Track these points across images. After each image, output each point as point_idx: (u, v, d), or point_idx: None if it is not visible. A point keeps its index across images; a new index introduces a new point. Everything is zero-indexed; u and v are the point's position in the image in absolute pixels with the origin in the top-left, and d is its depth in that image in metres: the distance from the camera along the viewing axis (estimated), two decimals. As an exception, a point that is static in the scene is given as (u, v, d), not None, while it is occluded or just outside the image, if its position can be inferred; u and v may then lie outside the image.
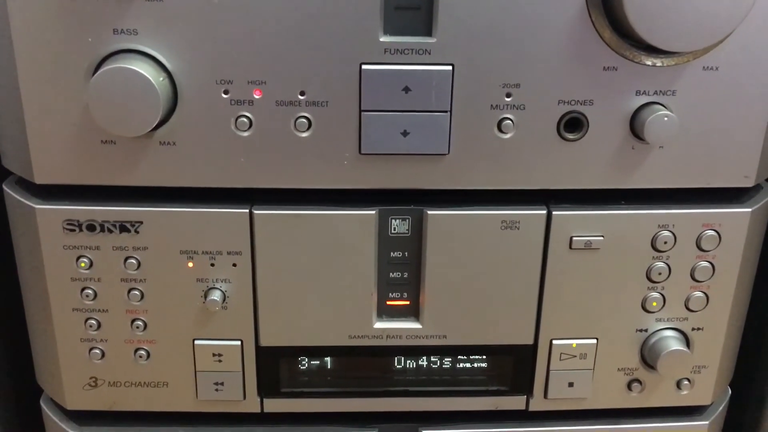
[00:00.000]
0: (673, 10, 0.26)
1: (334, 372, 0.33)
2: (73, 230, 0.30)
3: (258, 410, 0.34)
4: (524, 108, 0.29)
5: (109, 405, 0.33)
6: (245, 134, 0.29)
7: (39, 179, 0.29)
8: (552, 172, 0.30)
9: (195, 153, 0.29)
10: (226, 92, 0.28)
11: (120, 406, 0.33)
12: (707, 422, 0.35)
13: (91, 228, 0.30)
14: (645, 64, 0.28)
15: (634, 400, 0.34)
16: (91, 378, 0.33)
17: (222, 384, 0.33)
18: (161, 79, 0.27)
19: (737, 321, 0.34)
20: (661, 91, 0.29)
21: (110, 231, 0.30)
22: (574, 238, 0.31)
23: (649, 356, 0.33)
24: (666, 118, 0.28)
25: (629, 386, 0.34)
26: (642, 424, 0.35)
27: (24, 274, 0.32)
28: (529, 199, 0.31)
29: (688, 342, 0.33)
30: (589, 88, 0.29)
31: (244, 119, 0.29)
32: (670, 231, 0.31)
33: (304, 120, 0.29)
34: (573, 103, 0.29)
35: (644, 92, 0.29)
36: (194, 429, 0.34)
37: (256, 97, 0.28)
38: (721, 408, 0.36)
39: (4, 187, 0.31)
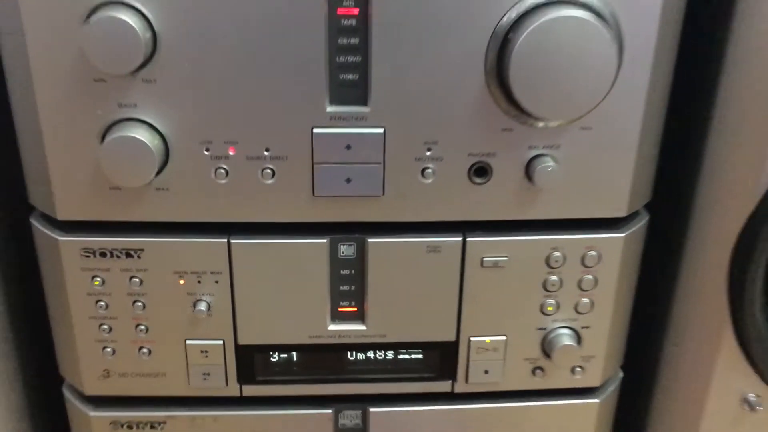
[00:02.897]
0: (549, 90, 0.33)
1: (299, 364, 0.40)
2: (89, 256, 0.36)
3: (238, 394, 0.41)
4: (442, 159, 0.36)
5: (118, 391, 0.40)
6: (223, 182, 0.35)
7: (60, 216, 0.36)
8: (466, 208, 0.37)
9: (184, 196, 0.35)
10: (207, 149, 0.35)
11: (127, 392, 0.40)
12: (598, 400, 0.43)
13: (102, 254, 0.36)
14: (535, 126, 0.35)
15: (538, 383, 0.41)
16: (104, 370, 0.39)
17: (209, 374, 0.39)
18: (155, 141, 0.34)
19: (620, 319, 0.41)
20: (548, 146, 0.36)
21: (118, 257, 0.36)
22: (485, 259, 0.38)
23: (547, 349, 0.40)
24: (549, 168, 0.35)
25: (533, 372, 0.41)
26: (544, 402, 0.42)
27: (49, 289, 0.39)
28: (448, 229, 0.37)
29: (579, 337, 0.41)
30: (491, 144, 0.35)
31: (222, 170, 0.35)
32: (560, 252, 0.38)
33: (269, 170, 0.35)
34: (480, 155, 0.36)
35: (535, 147, 0.35)
36: (187, 409, 0.41)
37: (231, 153, 0.35)
38: (611, 389, 0.44)
39: (32, 221, 0.38)
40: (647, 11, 0.33)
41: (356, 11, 0.33)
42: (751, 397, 0.43)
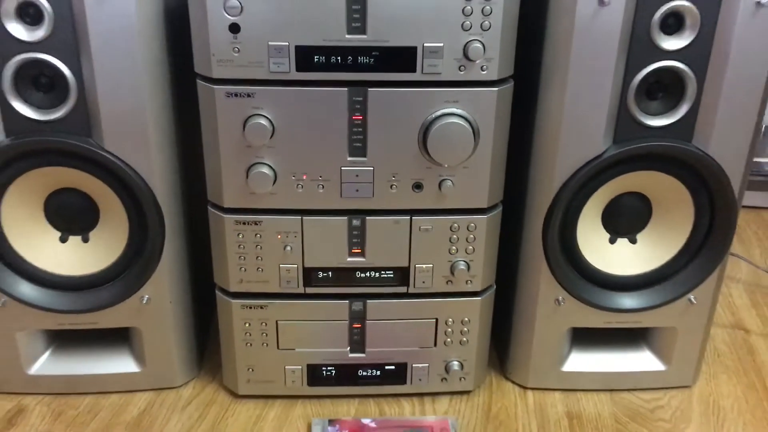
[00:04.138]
0: (445, 152, 0.73)
1: (332, 277, 0.81)
2: (238, 224, 0.77)
3: (303, 292, 0.81)
4: (399, 181, 0.75)
5: (246, 289, 0.80)
6: (300, 191, 0.75)
7: (226, 205, 0.77)
8: (411, 203, 0.77)
9: (282, 197, 0.76)
10: (293, 176, 0.75)
11: (250, 290, 0.80)
12: (480, 298, 0.83)
13: (244, 223, 0.77)
14: (441, 166, 0.75)
15: (449, 288, 0.81)
16: (240, 279, 0.80)
17: (288, 281, 0.80)
18: (271, 173, 0.75)
19: (491, 254, 0.82)
20: (447, 175, 0.75)
21: (251, 224, 0.77)
22: (421, 227, 0.78)
23: (453, 271, 0.81)
24: (449, 184, 0.75)
25: (447, 283, 0.80)
26: (452, 299, 0.82)
27: (215, 241, 0.79)
28: (403, 213, 0.77)
29: (468, 266, 0.81)
30: (422, 174, 0.75)
31: (300, 185, 0.75)
32: (456, 224, 0.78)
33: (321, 185, 0.75)
34: (416, 179, 0.75)
35: (441, 175, 0.75)
36: (278, 299, 0.81)
37: (304, 178, 0.75)
38: (488, 293, 0.84)
39: (209, 209, 0.78)
40: (489, 117, 0.73)
41: (361, 117, 0.73)
42: (559, 297, 0.84)
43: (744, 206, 1.39)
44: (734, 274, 1.15)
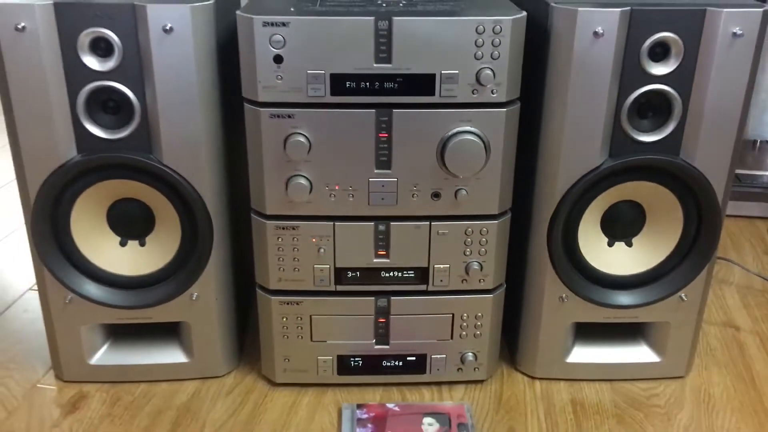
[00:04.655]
0: (460, 164, 0.83)
1: (360, 276, 0.90)
2: (278, 229, 0.87)
3: (334, 290, 0.91)
4: (420, 191, 0.85)
5: (283, 287, 0.90)
6: (333, 199, 0.85)
7: (268, 212, 0.87)
8: (430, 210, 0.86)
9: (317, 205, 0.86)
10: (327, 186, 0.85)
11: (287, 288, 0.91)
12: (492, 295, 0.92)
13: (284, 228, 0.87)
14: (456, 177, 0.85)
15: (464, 286, 0.91)
16: (279, 278, 0.90)
17: (322, 280, 0.90)
18: (307, 183, 0.85)
19: (500, 260, 0.91)
20: (462, 185, 0.85)
21: (289, 229, 0.87)
22: (439, 231, 0.88)
23: (468, 271, 0.90)
24: (464, 193, 0.85)
25: (462, 281, 0.90)
26: (467, 296, 0.92)
27: (257, 237, 0.89)
28: (423, 219, 0.87)
29: (481, 266, 0.90)
30: (440, 184, 0.85)
31: (333, 195, 0.84)
32: (471, 229, 0.88)
33: (351, 195, 0.85)
34: (435, 189, 0.85)
35: (457, 185, 0.85)
36: (312, 296, 0.91)
37: (336, 188, 0.85)
38: (499, 291, 0.93)
39: (252, 216, 0.89)
40: (499, 134, 0.83)
41: (386, 135, 0.83)
42: (563, 295, 0.94)
43: (739, 216, 1.49)
44: (728, 278, 1.24)
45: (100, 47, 0.79)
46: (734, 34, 0.79)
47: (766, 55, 1.65)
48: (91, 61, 0.80)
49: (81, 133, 0.82)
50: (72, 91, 0.80)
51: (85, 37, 0.78)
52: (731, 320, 1.12)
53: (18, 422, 0.90)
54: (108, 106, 0.82)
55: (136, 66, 0.80)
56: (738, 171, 1.53)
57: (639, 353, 0.98)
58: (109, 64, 0.80)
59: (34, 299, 1.15)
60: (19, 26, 0.76)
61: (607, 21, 0.78)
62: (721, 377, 0.99)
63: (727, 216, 1.45)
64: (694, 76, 0.81)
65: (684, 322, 0.95)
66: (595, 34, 0.79)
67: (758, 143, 1.67)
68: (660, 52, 0.81)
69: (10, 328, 1.09)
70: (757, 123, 1.69)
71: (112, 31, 0.78)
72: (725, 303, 1.17)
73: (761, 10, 0.79)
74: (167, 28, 0.78)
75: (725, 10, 0.78)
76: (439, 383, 0.97)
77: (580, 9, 0.78)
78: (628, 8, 0.78)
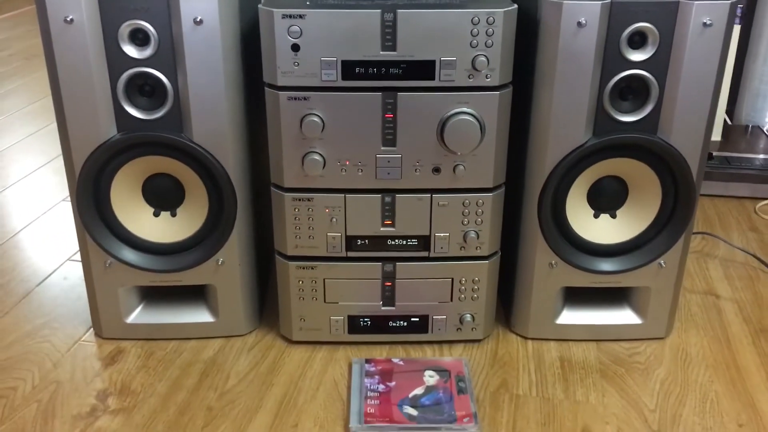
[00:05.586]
0: (458, 141, 0.92)
1: (369, 244, 1.00)
2: (295, 200, 0.97)
3: (345, 255, 1.01)
4: (422, 166, 0.94)
5: (299, 253, 1.00)
6: (344, 173, 0.94)
7: (286, 185, 0.96)
8: (431, 184, 0.95)
9: (330, 178, 0.95)
10: (338, 162, 0.94)
11: (303, 254, 1.00)
12: (487, 261, 1.02)
13: (300, 200, 0.96)
14: (455, 154, 0.94)
15: (462, 252, 1.00)
16: (295, 245, 1.00)
17: (334, 246, 1.00)
18: (321, 160, 0.94)
19: (496, 227, 1.00)
20: (460, 161, 0.95)
21: (305, 200, 0.97)
22: (439, 203, 0.97)
23: (466, 239, 1.00)
24: (461, 167, 0.94)
25: (460, 248, 0.99)
26: (465, 261, 1.01)
27: (276, 208, 0.99)
28: (425, 192, 0.96)
29: (477, 234, 1.00)
30: (440, 160, 0.94)
31: (344, 170, 0.94)
32: (469, 200, 0.97)
33: (361, 170, 0.94)
34: (436, 164, 0.94)
35: (455, 161, 0.94)
36: (325, 261, 1.01)
37: (347, 164, 0.94)
38: (494, 258, 1.02)
39: (272, 189, 0.98)
40: (493, 115, 0.92)
41: (392, 116, 0.92)
42: (552, 261, 1.03)
43: (730, 196, 1.58)
44: (713, 252, 1.32)
45: (138, 37, 0.89)
46: (704, 23, 0.87)
47: (756, 42, 1.73)
48: (130, 50, 0.89)
49: (120, 114, 0.92)
50: (113, 77, 0.90)
51: (125, 28, 0.88)
52: (712, 289, 1.21)
53: (63, 372, 1.00)
54: (144, 90, 0.92)
55: (169, 54, 0.89)
56: (730, 154, 1.61)
57: (623, 316, 1.07)
58: (146, 53, 0.89)
59: (72, 268, 1.26)
60: (68, 18, 0.86)
61: (590, 12, 0.87)
62: (698, 338, 1.08)
63: (719, 196, 1.54)
64: (669, 61, 0.90)
65: (663, 287, 1.04)
66: (579, 24, 0.87)
67: (750, 128, 1.74)
68: (638, 41, 0.89)
69: (52, 294, 1.20)
70: (750, 109, 1.77)
71: (149, 22, 0.88)
72: (708, 274, 1.25)
73: (729, 2, 0.87)
74: (197, 20, 0.87)
75: (696, 2, 0.87)
76: (440, 342, 1.06)
77: (565, 2, 0.87)
78: (609, 1, 0.87)
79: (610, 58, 0.90)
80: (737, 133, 1.72)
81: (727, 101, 1.66)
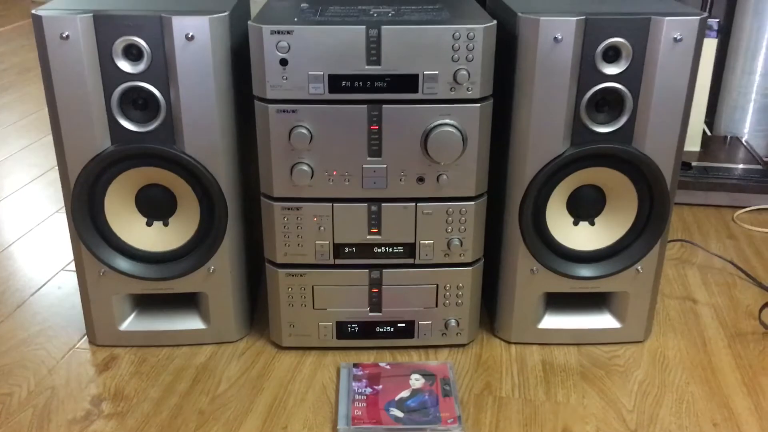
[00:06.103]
0: (441, 152, 0.95)
1: (355, 252, 1.03)
2: (284, 210, 0.99)
3: (333, 263, 1.03)
4: (407, 176, 0.98)
5: (289, 260, 1.03)
6: (331, 183, 0.98)
7: (275, 195, 0.99)
8: (415, 193, 0.99)
9: (318, 188, 0.98)
10: (326, 173, 0.97)
11: (292, 261, 1.03)
12: (471, 268, 1.05)
13: (288, 209, 0.99)
14: (439, 164, 0.98)
15: (446, 260, 1.03)
16: (284, 253, 1.03)
17: (323, 254, 1.02)
18: (309, 171, 0.98)
19: (479, 235, 1.04)
20: (443, 171, 0.98)
21: (293, 209, 1.00)
22: (424, 211, 1.01)
23: (450, 246, 1.03)
24: (445, 177, 0.98)
25: (444, 255, 1.02)
26: (449, 268, 1.04)
27: (265, 221, 1.02)
28: (409, 201, 0.99)
29: (461, 242, 1.03)
30: (424, 170, 0.97)
31: (331, 180, 0.97)
32: (452, 209, 1.00)
33: (348, 180, 0.97)
34: (420, 174, 0.97)
35: (439, 171, 0.98)
36: (313, 269, 1.04)
37: (334, 174, 0.97)
38: (477, 265, 1.05)
39: (261, 198, 1.01)
40: (474, 126, 0.96)
41: (377, 127, 0.96)
42: (534, 268, 1.06)
43: (709, 205, 1.61)
44: (691, 259, 1.36)
45: (132, 53, 0.92)
46: (675, 39, 0.91)
47: (734, 56, 1.78)
48: (124, 65, 0.92)
49: (114, 127, 0.95)
50: (107, 91, 0.93)
51: (119, 44, 0.91)
52: (690, 294, 1.24)
53: (58, 378, 1.03)
54: (138, 103, 0.95)
55: (162, 69, 0.93)
56: (710, 164, 1.66)
57: (602, 320, 1.10)
58: (140, 67, 0.92)
59: (66, 277, 1.28)
60: (63, 35, 0.89)
61: (566, 28, 0.91)
62: (676, 342, 1.11)
63: (698, 205, 1.58)
64: (642, 75, 0.94)
65: (641, 292, 1.07)
66: (555, 39, 0.91)
67: (728, 138, 1.79)
68: (612, 55, 0.93)
69: (47, 303, 1.22)
70: (729, 120, 1.81)
71: (142, 39, 0.91)
72: (687, 281, 1.29)
73: (698, 18, 0.91)
74: (189, 36, 0.91)
75: (667, 18, 0.91)
76: (425, 347, 1.09)
77: (542, 18, 0.91)
78: (584, 17, 0.91)
79: (586, 72, 0.93)
80: (716, 143, 1.77)
81: (706, 112, 1.70)
